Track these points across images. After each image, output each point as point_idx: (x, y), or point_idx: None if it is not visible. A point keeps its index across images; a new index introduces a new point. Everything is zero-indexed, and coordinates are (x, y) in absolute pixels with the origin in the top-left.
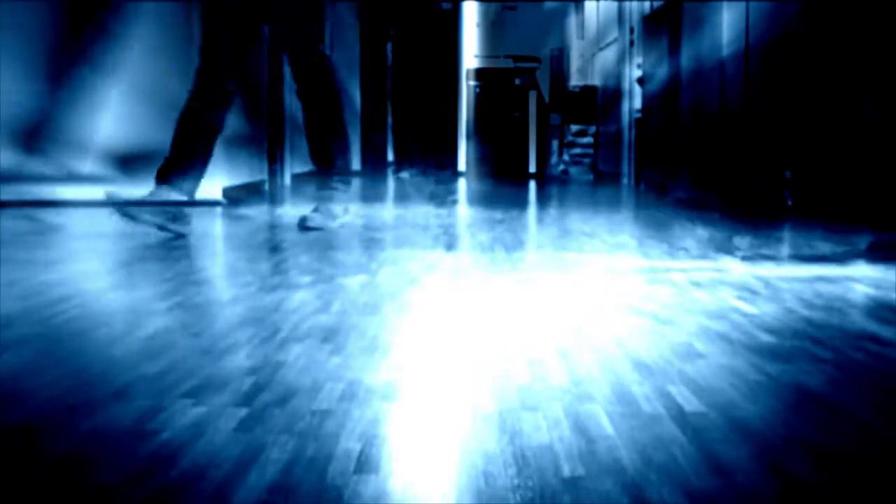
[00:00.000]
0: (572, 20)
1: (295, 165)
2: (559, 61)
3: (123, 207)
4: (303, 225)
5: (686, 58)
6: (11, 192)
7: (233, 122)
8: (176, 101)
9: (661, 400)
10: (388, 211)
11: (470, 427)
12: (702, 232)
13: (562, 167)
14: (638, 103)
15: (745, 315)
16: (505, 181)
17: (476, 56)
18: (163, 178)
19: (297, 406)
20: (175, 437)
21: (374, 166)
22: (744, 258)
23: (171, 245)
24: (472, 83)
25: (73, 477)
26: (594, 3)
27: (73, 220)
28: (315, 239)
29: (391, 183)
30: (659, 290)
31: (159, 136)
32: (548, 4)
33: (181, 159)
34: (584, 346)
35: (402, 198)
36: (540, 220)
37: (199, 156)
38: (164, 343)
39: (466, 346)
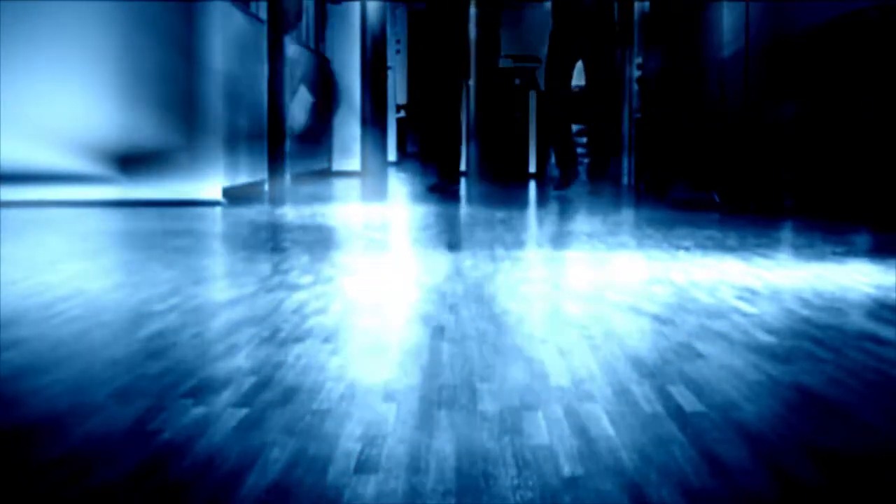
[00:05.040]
0: None
1: (295, 165)
2: None
3: None
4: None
5: (686, 57)
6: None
7: (233, 122)
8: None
9: (661, 400)
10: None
11: (470, 427)
12: (701, 232)
13: None
14: (638, 103)
15: (745, 315)
16: (505, 181)
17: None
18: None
19: (297, 406)
20: (175, 437)
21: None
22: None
23: (171, 245)
24: (472, 83)
25: (73, 477)
26: None
27: (73, 220)
28: (315, 239)
29: None
30: (659, 290)
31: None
32: (548, 4)
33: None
34: (584, 346)
35: None
36: (540, 220)
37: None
38: (164, 343)
39: (466, 347)
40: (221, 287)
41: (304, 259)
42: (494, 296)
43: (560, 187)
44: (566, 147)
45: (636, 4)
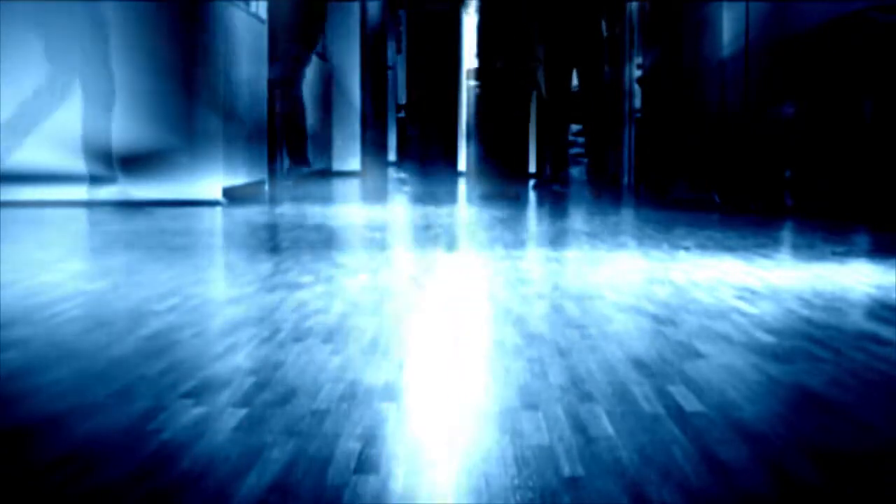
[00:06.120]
0: None
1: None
2: None
3: None
4: None
5: (686, 58)
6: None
7: (233, 122)
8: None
9: (661, 400)
10: None
11: (470, 427)
12: (702, 232)
13: None
14: (638, 103)
15: (745, 315)
16: (505, 181)
17: (476, 56)
18: None
19: (297, 406)
20: (175, 437)
21: None
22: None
23: (171, 245)
24: (472, 83)
25: (73, 477)
26: None
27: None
28: (315, 238)
29: None
30: (659, 290)
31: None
32: None
33: None
34: (584, 346)
35: None
36: (540, 220)
37: None
38: (164, 343)
39: (466, 347)
40: (221, 287)
41: (305, 258)
42: (494, 295)
43: (539, 185)
44: (556, 147)
45: (636, 4)
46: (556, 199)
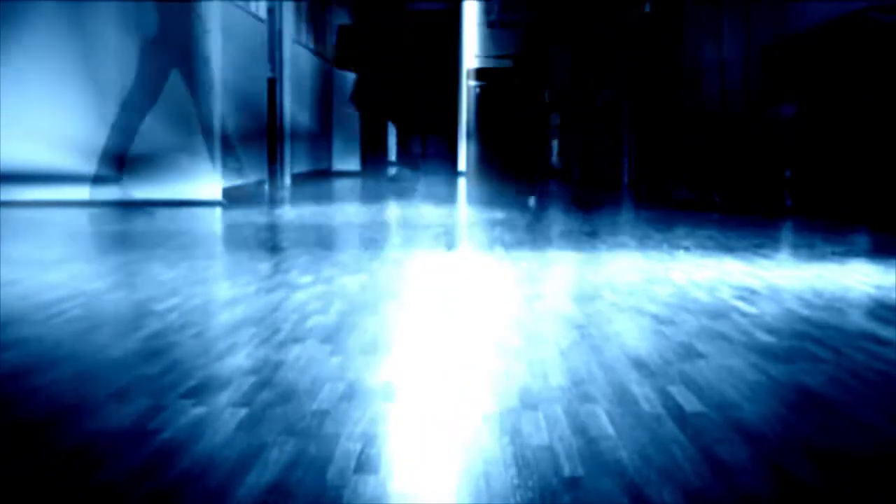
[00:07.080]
0: None
1: (294, 165)
2: None
3: None
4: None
5: (686, 58)
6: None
7: (233, 122)
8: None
9: (661, 400)
10: None
11: (470, 427)
12: (701, 232)
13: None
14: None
15: (745, 315)
16: (505, 181)
17: (476, 56)
18: None
19: (297, 406)
20: (175, 436)
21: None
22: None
23: (171, 245)
24: (472, 83)
25: (73, 476)
26: None
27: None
28: (315, 239)
29: None
30: (659, 290)
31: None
32: None
33: None
34: (584, 346)
35: None
36: (540, 220)
37: None
38: (164, 343)
39: (466, 347)
40: (221, 287)
41: (304, 258)
42: (494, 295)
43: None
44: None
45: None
46: (556, 199)
